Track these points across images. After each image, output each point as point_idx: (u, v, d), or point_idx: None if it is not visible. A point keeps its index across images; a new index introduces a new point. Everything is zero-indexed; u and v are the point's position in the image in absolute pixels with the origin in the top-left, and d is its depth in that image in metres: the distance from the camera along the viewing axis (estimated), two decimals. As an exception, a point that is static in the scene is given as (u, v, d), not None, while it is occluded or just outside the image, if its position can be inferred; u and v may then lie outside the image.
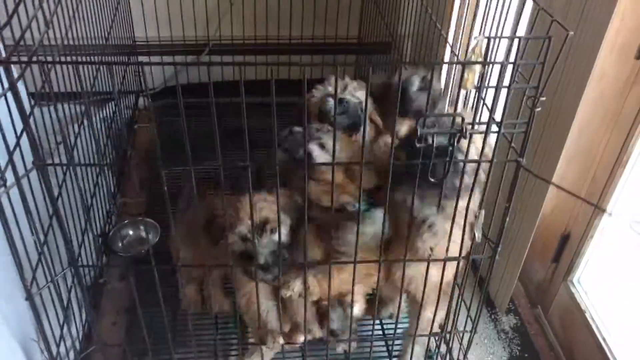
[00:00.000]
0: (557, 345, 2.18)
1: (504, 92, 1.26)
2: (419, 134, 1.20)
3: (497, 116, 1.26)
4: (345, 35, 3.28)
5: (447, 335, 1.78)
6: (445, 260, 1.47)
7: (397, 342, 2.13)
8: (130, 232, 2.40)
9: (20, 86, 1.50)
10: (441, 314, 1.65)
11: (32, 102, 1.51)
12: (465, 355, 1.79)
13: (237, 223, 1.60)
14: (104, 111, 2.74)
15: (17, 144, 1.30)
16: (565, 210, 2.11)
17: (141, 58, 3.14)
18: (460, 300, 1.82)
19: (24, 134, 1.22)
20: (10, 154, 1.26)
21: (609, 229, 1.97)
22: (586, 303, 2.04)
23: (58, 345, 1.66)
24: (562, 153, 1.88)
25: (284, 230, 1.60)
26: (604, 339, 1.93)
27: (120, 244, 2.41)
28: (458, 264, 1.52)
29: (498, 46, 1.48)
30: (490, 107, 1.23)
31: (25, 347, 1.69)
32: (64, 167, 1.53)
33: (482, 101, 1.23)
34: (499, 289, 2.33)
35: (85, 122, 2.40)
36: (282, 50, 3.24)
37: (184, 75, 3.21)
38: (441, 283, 1.53)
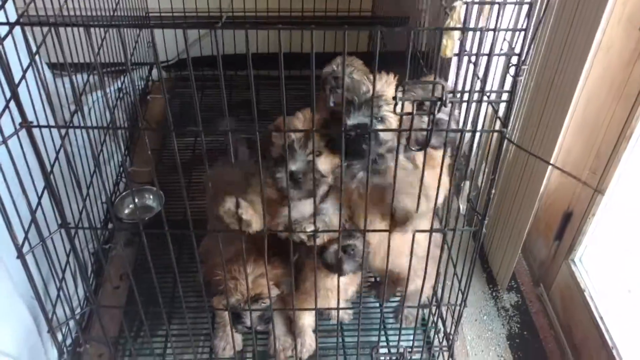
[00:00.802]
0: (557, 324, 2.16)
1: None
2: (397, 100, 1.18)
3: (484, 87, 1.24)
4: (359, 9, 3.24)
5: (438, 308, 1.77)
6: (431, 232, 1.46)
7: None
8: (136, 200, 2.45)
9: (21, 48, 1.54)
10: (428, 286, 1.64)
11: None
12: (455, 328, 1.78)
13: None
14: (117, 82, 2.80)
15: (7, 107, 1.33)
16: (569, 188, 2.06)
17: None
18: (453, 273, 1.82)
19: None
20: (-1, 115, 1.30)
21: (611, 207, 1.92)
22: (586, 282, 2.01)
23: (54, 306, 1.71)
24: (564, 126, 1.84)
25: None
26: (601, 318, 1.89)
27: (125, 211, 2.47)
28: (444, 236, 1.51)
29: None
30: (472, 76, 1.21)
31: (30, 305, 1.74)
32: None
33: (462, 69, 1.21)
34: (500, 266, 2.31)
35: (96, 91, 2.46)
36: (294, 24, 3.22)
37: (197, 48, 3.22)
38: (427, 257, 1.52)
